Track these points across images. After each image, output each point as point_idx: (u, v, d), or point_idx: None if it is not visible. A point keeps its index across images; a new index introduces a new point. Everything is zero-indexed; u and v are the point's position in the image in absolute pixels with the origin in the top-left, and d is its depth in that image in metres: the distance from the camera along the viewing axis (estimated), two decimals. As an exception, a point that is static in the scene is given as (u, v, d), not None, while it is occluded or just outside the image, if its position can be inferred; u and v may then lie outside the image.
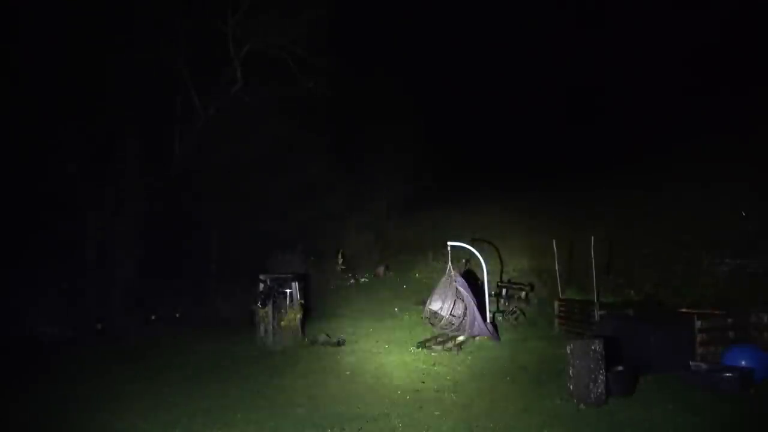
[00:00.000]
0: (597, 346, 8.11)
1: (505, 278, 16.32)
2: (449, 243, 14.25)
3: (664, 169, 17.20)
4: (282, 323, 13.80)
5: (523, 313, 14.66)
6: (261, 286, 14.30)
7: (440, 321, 13.95)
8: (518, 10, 26.86)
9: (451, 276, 13.89)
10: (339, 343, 13.45)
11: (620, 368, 8.44)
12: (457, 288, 13.63)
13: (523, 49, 26.11)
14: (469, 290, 13.59)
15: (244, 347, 13.56)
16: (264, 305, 13.92)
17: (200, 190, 20.94)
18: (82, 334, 15.63)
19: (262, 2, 20.28)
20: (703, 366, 8.72)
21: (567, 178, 20.61)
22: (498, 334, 13.01)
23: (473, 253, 14.54)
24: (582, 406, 7.90)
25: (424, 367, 11.02)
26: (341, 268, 22.10)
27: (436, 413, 8.14)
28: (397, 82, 25.85)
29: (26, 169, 17.47)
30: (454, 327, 13.53)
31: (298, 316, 14.17)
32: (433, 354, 12.01)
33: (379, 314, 16.70)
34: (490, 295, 13.79)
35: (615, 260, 14.29)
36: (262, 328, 14.02)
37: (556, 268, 13.81)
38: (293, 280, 14.72)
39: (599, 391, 7.96)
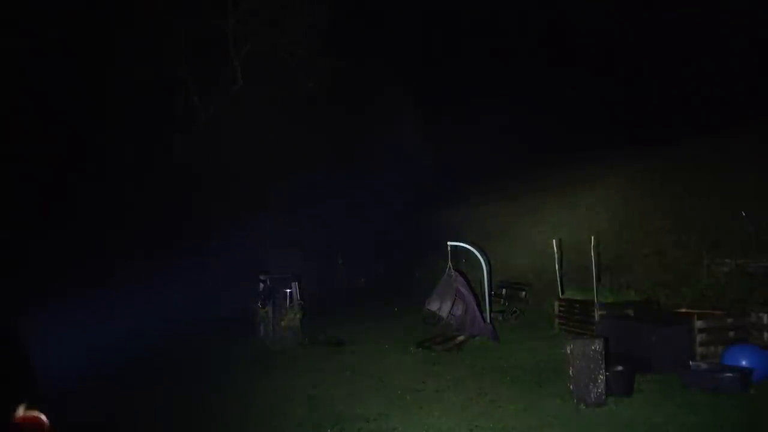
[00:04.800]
0: (597, 346, 8.10)
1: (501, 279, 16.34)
2: (449, 243, 14.25)
3: (664, 168, 17.19)
4: (282, 323, 13.81)
5: (523, 313, 14.68)
6: (261, 286, 14.32)
7: (440, 321, 13.96)
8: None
9: (451, 276, 13.90)
10: (339, 343, 13.45)
11: (620, 368, 8.43)
12: (457, 288, 13.63)
13: (522, 49, 26.11)
14: (469, 290, 13.60)
15: (244, 347, 13.57)
16: (264, 305, 13.94)
17: (200, 190, 20.97)
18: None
19: (262, 2, 20.30)
20: (703, 366, 8.71)
21: (566, 177, 20.59)
22: (497, 334, 13.00)
23: (473, 253, 14.53)
24: (582, 406, 7.90)
25: (424, 367, 11.01)
26: (342, 268, 22.12)
27: (436, 413, 8.13)
28: (397, 81, 25.92)
29: (26, 169, 17.48)
30: (453, 327, 13.54)
31: (298, 316, 14.17)
32: (433, 354, 12.00)
33: (379, 314, 16.72)
34: (489, 295, 13.78)
35: (615, 260, 14.28)
36: (262, 328, 14.03)
37: (556, 268, 13.80)
38: (293, 280, 14.74)
39: (599, 391, 7.95)
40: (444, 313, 13.69)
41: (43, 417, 1.98)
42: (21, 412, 1.96)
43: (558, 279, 13.76)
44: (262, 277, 14.51)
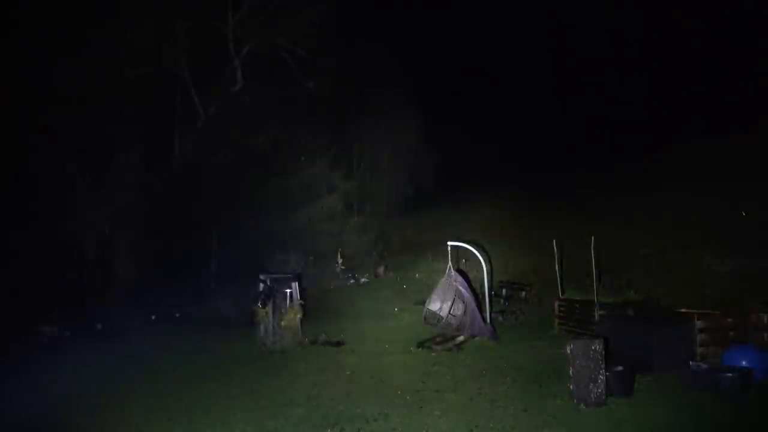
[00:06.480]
0: (597, 346, 8.10)
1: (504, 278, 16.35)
2: (449, 243, 14.24)
3: (664, 168, 17.23)
4: (282, 323, 13.78)
5: (523, 313, 14.67)
6: (261, 286, 14.30)
7: (440, 321, 13.95)
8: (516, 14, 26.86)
9: (451, 276, 13.90)
10: (339, 343, 13.44)
11: (620, 368, 8.43)
12: (457, 288, 13.63)
13: (521, 50, 26.11)
14: (469, 290, 13.60)
15: (244, 347, 13.55)
16: (264, 305, 13.92)
17: (200, 190, 20.94)
18: (81, 333, 15.61)
19: (262, 2, 20.29)
20: (703, 366, 8.71)
21: (567, 178, 20.62)
22: (497, 334, 13.00)
23: (473, 253, 14.53)
24: (582, 406, 7.90)
25: (424, 367, 11.01)
26: (341, 268, 22.11)
27: (436, 413, 8.12)
28: (398, 82, 25.89)
29: (26, 169, 17.46)
30: (453, 327, 13.53)
31: (298, 316, 14.16)
32: (433, 354, 12.00)
33: (379, 314, 16.70)
34: (489, 295, 13.79)
35: (615, 260, 14.28)
36: (262, 328, 14.00)
37: (556, 268, 13.80)
38: (293, 280, 14.73)
39: (599, 391, 7.95)
40: (444, 313, 13.69)
41: None
42: None
43: (558, 279, 13.77)
44: (262, 277, 14.49)
